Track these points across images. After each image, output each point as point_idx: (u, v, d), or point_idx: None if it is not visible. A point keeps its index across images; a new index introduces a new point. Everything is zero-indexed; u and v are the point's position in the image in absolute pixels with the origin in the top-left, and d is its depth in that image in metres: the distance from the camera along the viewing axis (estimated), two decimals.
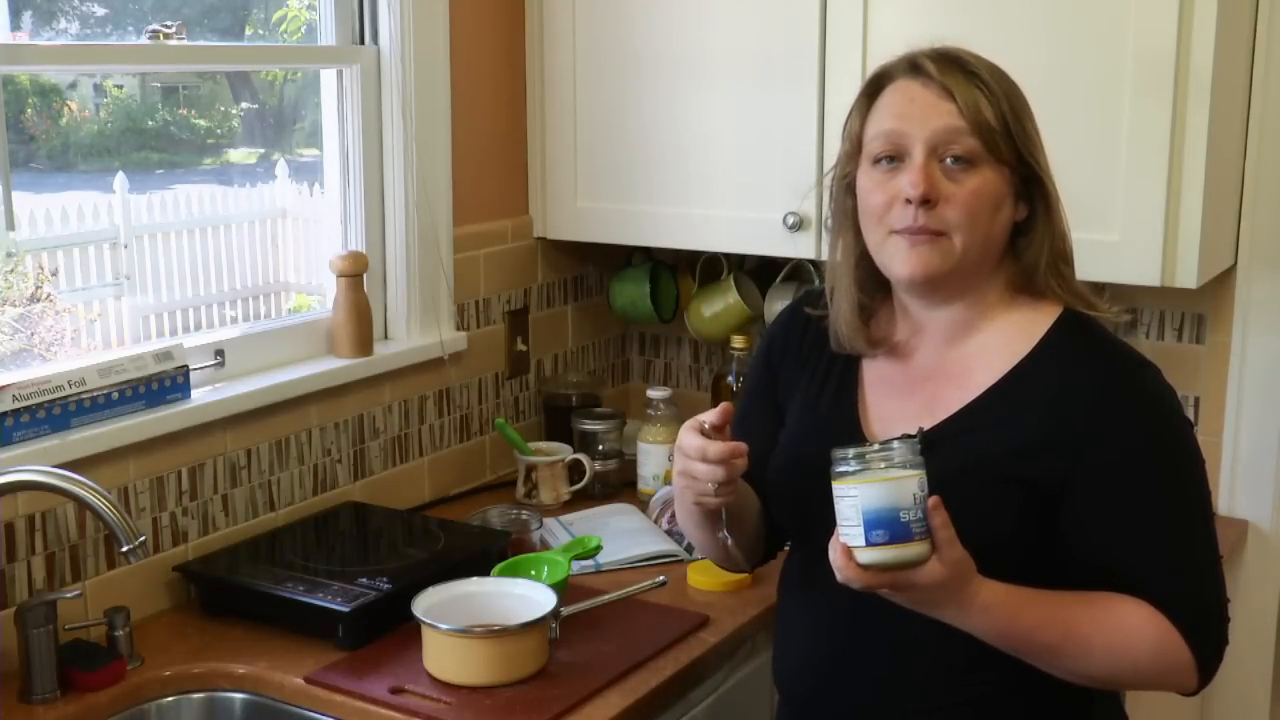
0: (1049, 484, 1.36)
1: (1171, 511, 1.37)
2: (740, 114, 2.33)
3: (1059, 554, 1.38)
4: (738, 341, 2.53)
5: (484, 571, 1.91)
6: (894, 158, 1.40)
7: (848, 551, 1.26)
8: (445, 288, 2.39)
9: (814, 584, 1.47)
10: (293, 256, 4.60)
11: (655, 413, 2.44)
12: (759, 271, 2.66)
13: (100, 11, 2.51)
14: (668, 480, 2.35)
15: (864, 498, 1.25)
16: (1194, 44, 1.95)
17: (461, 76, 2.38)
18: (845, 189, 1.48)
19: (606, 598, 1.90)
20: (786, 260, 2.57)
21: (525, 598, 1.78)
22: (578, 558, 2.02)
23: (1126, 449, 1.36)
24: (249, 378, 2.09)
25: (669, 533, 2.21)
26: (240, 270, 4.96)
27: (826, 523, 1.30)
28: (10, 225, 2.25)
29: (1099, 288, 1.50)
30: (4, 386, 1.73)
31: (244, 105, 4.05)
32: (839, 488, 1.27)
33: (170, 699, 1.77)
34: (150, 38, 2.09)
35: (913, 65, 1.42)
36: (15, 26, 2.06)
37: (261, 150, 4.23)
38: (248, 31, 2.73)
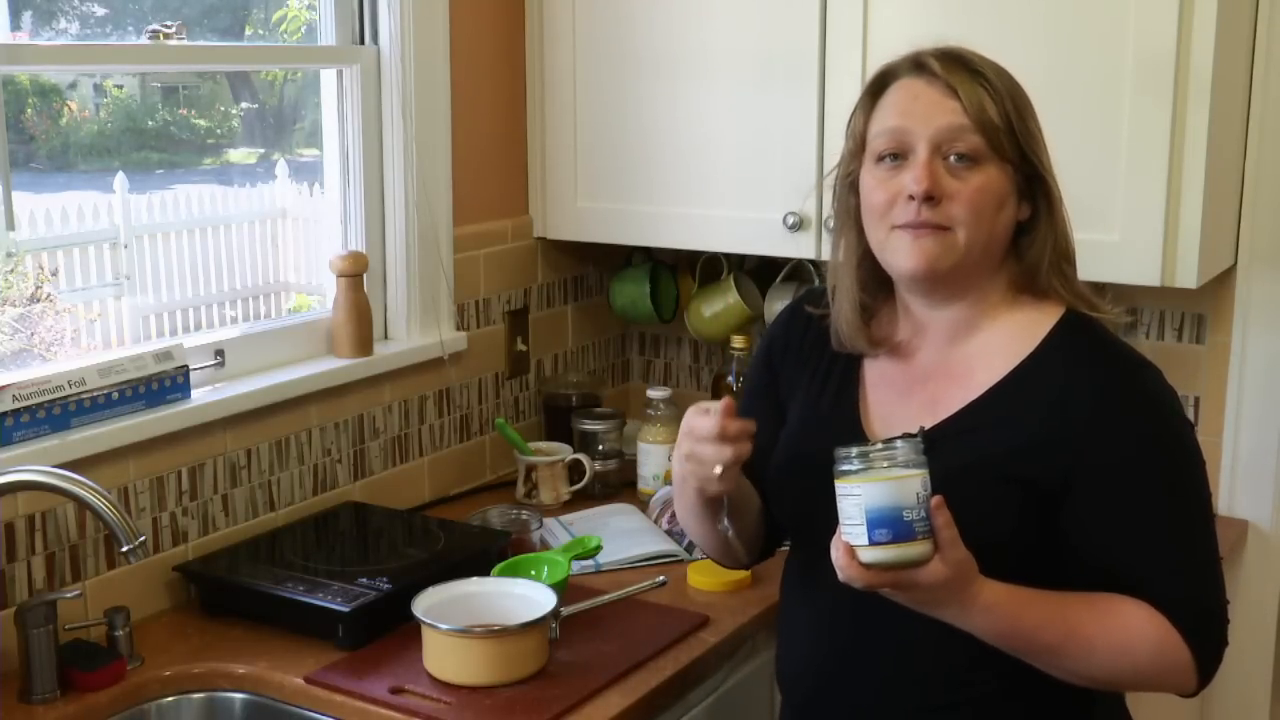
0: (1049, 484, 1.36)
1: (1172, 512, 1.37)
2: (740, 114, 2.33)
3: (1059, 554, 1.38)
4: (738, 341, 2.53)
5: (484, 571, 1.91)
6: (898, 155, 1.40)
7: (850, 550, 1.26)
8: (445, 288, 2.39)
9: (815, 584, 1.47)
10: (293, 256, 4.60)
11: (655, 413, 2.44)
12: (759, 271, 2.66)
13: (100, 11, 2.51)
14: (668, 480, 2.35)
15: (867, 497, 1.24)
16: (1194, 44, 1.95)
17: (461, 76, 2.38)
18: (848, 188, 1.48)
19: (606, 598, 1.90)
20: (786, 260, 2.57)
21: (525, 598, 1.78)
22: (578, 558, 2.02)
23: (1127, 449, 1.36)
24: (249, 378, 2.09)
25: (669, 533, 2.21)
26: (240, 270, 4.96)
27: (828, 522, 1.30)
28: (10, 225, 2.25)
29: (1100, 288, 1.50)
30: (4, 386, 1.73)
31: (244, 105, 4.05)
32: (842, 486, 1.27)
33: (170, 699, 1.77)
34: (150, 38, 2.09)
35: (917, 63, 1.42)
36: (15, 26, 2.06)
37: (261, 150, 4.23)
38: (248, 31, 2.73)
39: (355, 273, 2.23)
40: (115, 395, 1.86)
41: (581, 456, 2.45)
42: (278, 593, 1.86)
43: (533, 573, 1.92)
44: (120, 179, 4.43)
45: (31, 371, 1.81)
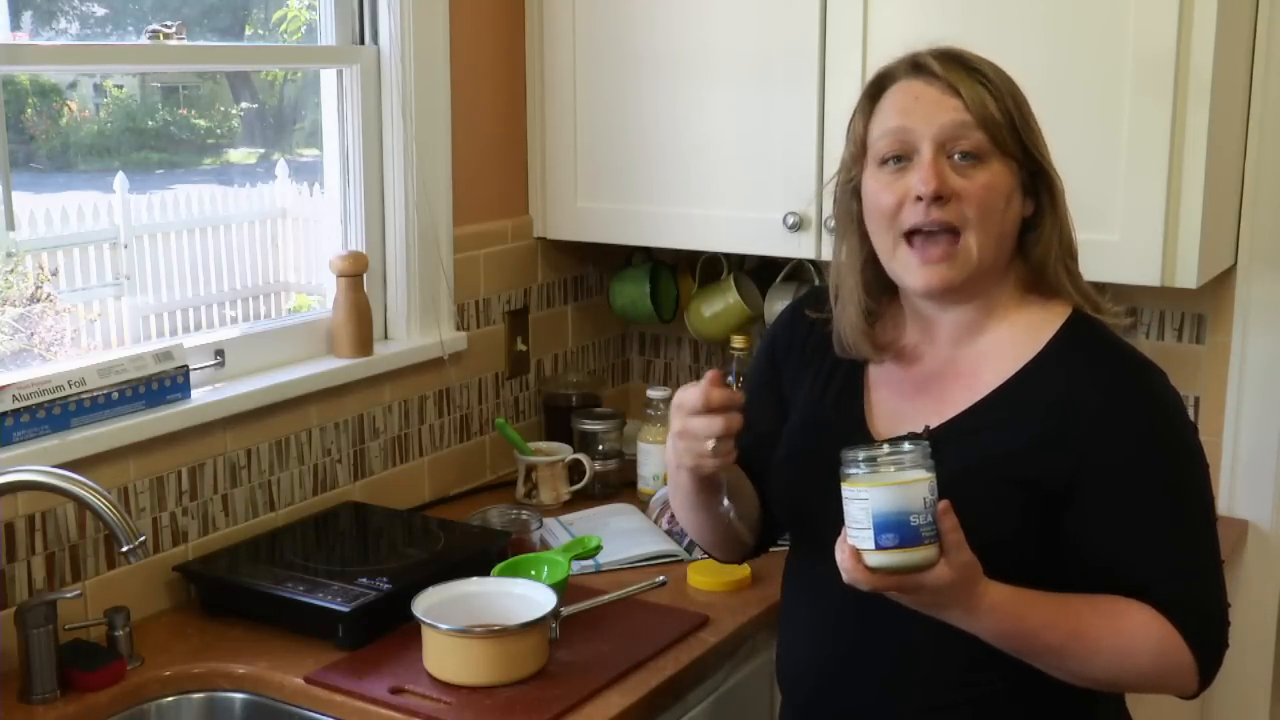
0: (1053, 485, 1.36)
1: (1175, 514, 1.37)
2: (740, 114, 2.33)
3: (1061, 554, 1.38)
4: (738, 341, 2.53)
5: (484, 571, 1.91)
6: (901, 157, 1.40)
7: (856, 554, 1.26)
8: (445, 288, 2.39)
9: (816, 584, 1.47)
10: (293, 256, 4.60)
11: (655, 413, 2.44)
12: (759, 271, 2.66)
13: (100, 11, 2.51)
14: (668, 480, 2.35)
15: (874, 501, 1.24)
16: (1194, 44, 1.95)
17: (461, 76, 2.38)
18: (850, 193, 1.48)
19: (606, 598, 1.90)
20: (786, 260, 2.57)
21: (525, 598, 1.78)
22: (578, 558, 2.02)
23: (1131, 452, 1.36)
24: (249, 378, 2.09)
25: (669, 533, 2.21)
26: (240, 270, 4.96)
27: (829, 522, 1.30)
28: (10, 225, 2.25)
29: (1099, 288, 1.50)
30: (4, 386, 1.73)
31: (244, 105, 4.05)
32: (849, 490, 1.27)
33: (170, 699, 1.77)
34: (150, 38, 2.09)
35: (915, 64, 1.42)
36: (15, 26, 2.06)
37: (261, 150, 4.23)
38: (248, 31, 2.73)
39: (355, 273, 2.23)
40: (115, 395, 1.86)
41: (581, 456, 2.45)
42: (278, 593, 1.86)
43: (533, 573, 1.92)
44: (120, 179, 4.43)
45: (31, 371, 1.81)
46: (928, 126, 1.38)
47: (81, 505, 1.66)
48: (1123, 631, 1.34)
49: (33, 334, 3.10)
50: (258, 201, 4.96)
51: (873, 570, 1.26)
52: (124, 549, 1.61)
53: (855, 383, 1.52)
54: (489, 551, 2.02)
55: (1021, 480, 1.36)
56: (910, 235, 1.40)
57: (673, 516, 2.16)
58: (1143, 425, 1.37)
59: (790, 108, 2.27)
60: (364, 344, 2.24)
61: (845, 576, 1.28)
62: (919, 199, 1.37)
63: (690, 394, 1.39)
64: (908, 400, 1.47)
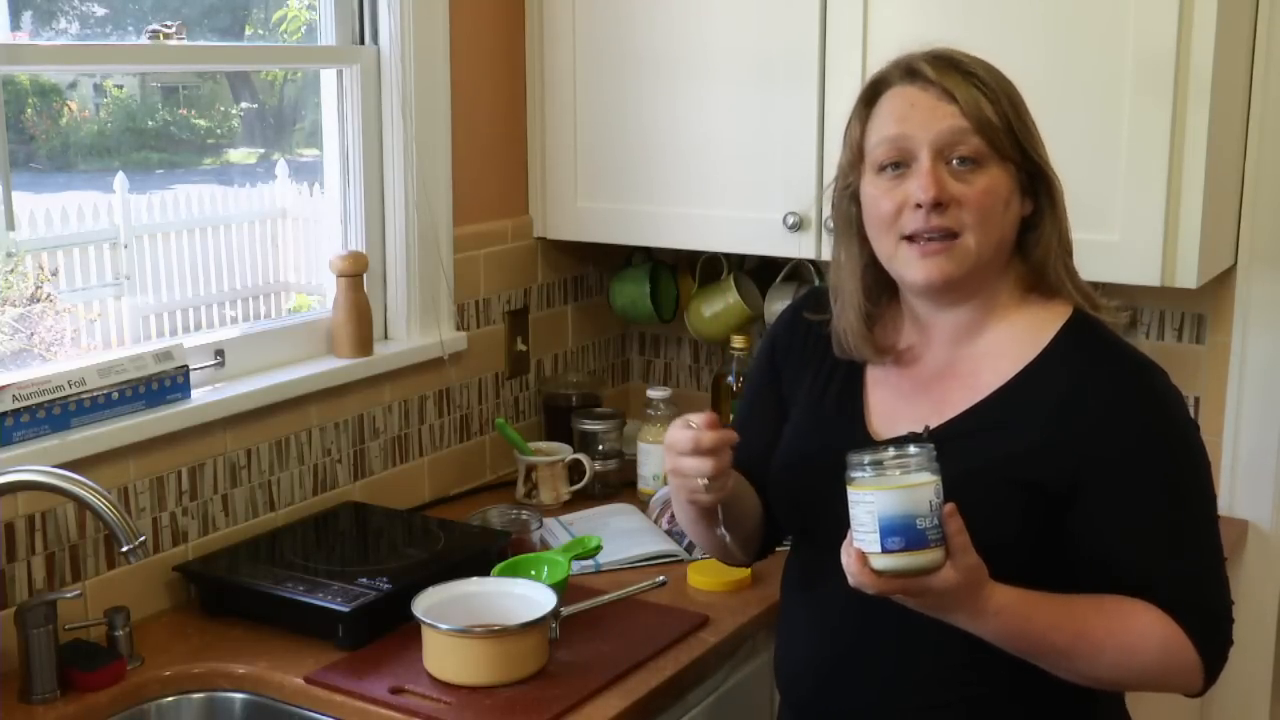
0: (1056, 486, 1.36)
1: (1179, 514, 1.37)
2: (740, 114, 2.33)
3: (1064, 555, 1.38)
4: (738, 341, 2.53)
5: (484, 571, 1.91)
6: (899, 164, 1.40)
7: (862, 557, 1.26)
8: (445, 288, 2.39)
9: (817, 585, 1.47)
10: (293, 256, 4.61)
11: (655, 413, 2.44)
12: (759, 271, 2.66)
13: (100, 11, 2.51)
14: (668, 480, 2.35)
15: (880, 504, 1.24)
16: (1194, 44, 1.95)
17: (461, 76, 2.38)
18: (848, 198, 1.48)
19: (606, 598, 1.90)
20: (786, 260, 2.57)
21: (525, 598, 1.78)
22: (578, 558, 2.02)
23: (1133, 452, 1.36)
24: (249, 378, 2.09)
25: (669, 533, 2.21)
26: (240, 270, 4.96)
27: (830, 523, 1.30)
28: (10, 225, 2.25)
29: (1095, 287, 1.50)
30: (4, 386, 1.73)
31: (244, 105, 4.05)
32: (854, 493, 1.26)
33: (170, 699, 1.77)
34: (150, 38, 2.09)
35: (909, 70, 1.41)
36: (15, 26, 2.07)
37: (261, 150, 4.23)
38: (248, 31, 2.73)
39: (355, 273, 2.23)
40: (115, 395, 1.86)
41: (581, 456, 2.45)
42: (278, 593, 1.86)
43: (533, 573, 1.92)
44: (120, 179, 4.43)
45: (31, 371, 1.81)
46: (925, 133, 1.38)
47: (81, 505, 1.66)
48: (1128, 631, 1.34)
49: (33, 334, 3.10)
50: (258, 201, 4.96)
51: (879, 573, 1.26)
52: (124, 549, 1.61)
53: (855, 384, 1.52)
54: (489, 551, 2.02)
55: (1023, 482, 1.36)
56: (910, 237, 1.40)
57: (673, 517, 2.16)
58: (1145, 424, 1.37)
59: (790, 108, 2.27)
60: (364, 344, 2.24)
61: (851, 580, 1.28)
62: (918, 206, 1.37)
63: (681, 436, 1.40)
64: (907, 401, 1.47)
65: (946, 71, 1.39)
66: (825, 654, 1.48)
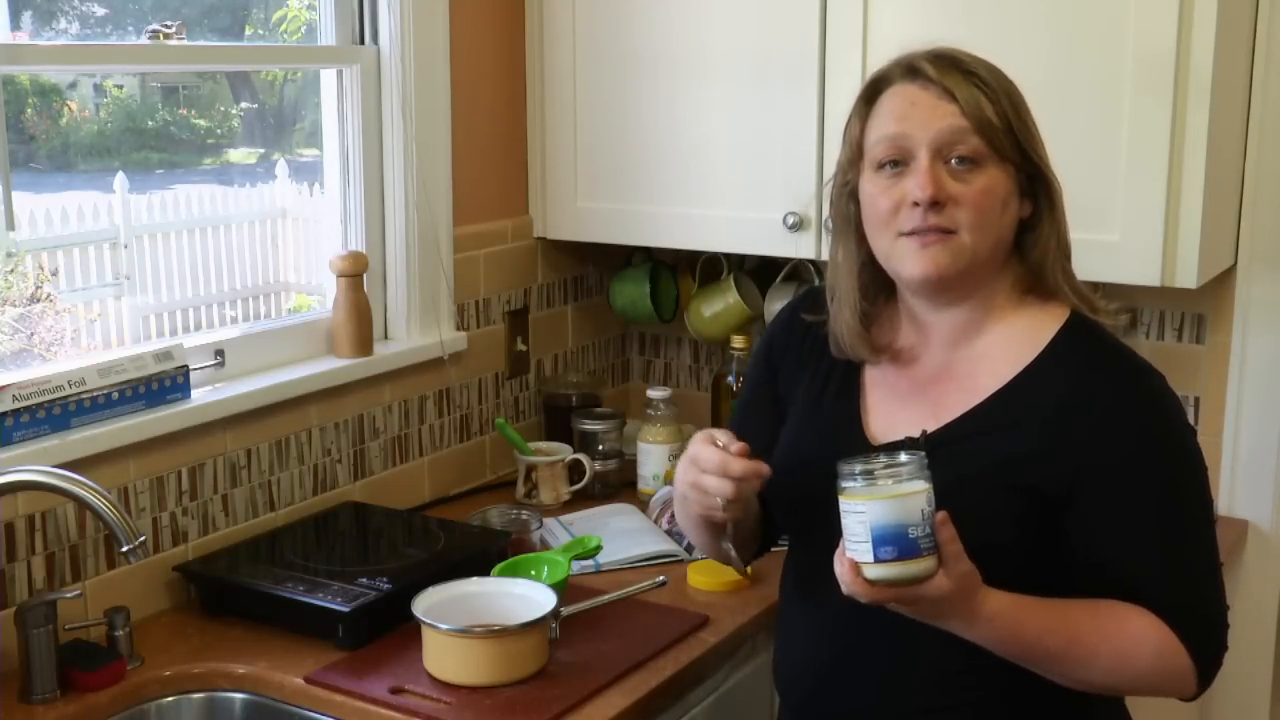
0: (1052, 491, 1.36)
1: (1175, 518, 1.37)
2: (740, 114, 2.33)
3: (1060, 559, 1.38)
4: (738, 341, 2.53)
5: (484, 571, 1.91)
6: (898, 162, 1.40)
7: (855, 566, 1.26)
8: (445, 288, 2.39)
9: (815, 586, 1.47)
10: (293, 256, 4.61)
11: (655, 413, 2.44)
12: (759, 271, 2.66)
13: (100, 11, 2.51)
14: (668, 480, 2.35)
15: (872, 515, 1.24)
16: (1194, 44, 1.95)
17: (461, 76, 2.38)
18: (847, 196, 1.48)
19: (606, 598, 1.90)
20: (786, 260, 2.56)
21: (525, 598, 1.78)
22: (578, 558, 2.02)
23: (1131, 456, 1.36)
24: (249, 378, 2.09)
25: (669, 533, 2.21)
26: (240, 270, 4.96)
27: (828, 525, 1.30)
28: (10, 225, 2.25)
29: (1094, 287, 1.50)
30: (4, 386, 1.73)
31: (244, 105, 4.05)
32: (846, 503, 1.26)
33: (170, 699, 1.77)
34: (150, 38, 2.09)
35: (910, 68, 1.41)
36: (15, 26, 2.07)
37: (261, 150, 4.23)
38: (248, 31, 2.73)
39: (355, 273, 2.23)
40: (115, 395, 1.86)
41: (581, 456, 2.45)
42: (278, 593, 1.86)
43: (533, 573, 1.92)
44: (120, 179, 4.43)
45: (31, 371, 1.81)
46: (924, 132, 1.38)
47: (81, 505, 1.66)
48: (1121, 636, 1.34)
49: (33, 334, 3.10)
50: (258, 201, 4.96)
51: (871, 583, 1.26)
52: (124, 549, 1.61)
53: (852, 384, 1.52)
54: (489, 551, 2.02)
55: (1021, 487, 1.36)
56: (907, 234, 1.40)
57: (673, 516, 2.16)
58: (1142, 428, 1.37)
59: (790, 108, 2.27)
60: (364, 344, 2.24)
61: (844, 589, 1.28)
62: (915, 204, 1.37)
63: (708, 454, 1.39)
64: (904, 403, 1.47)
65: (948, 70, 1.39)
66: (824, 656, 1.48)
